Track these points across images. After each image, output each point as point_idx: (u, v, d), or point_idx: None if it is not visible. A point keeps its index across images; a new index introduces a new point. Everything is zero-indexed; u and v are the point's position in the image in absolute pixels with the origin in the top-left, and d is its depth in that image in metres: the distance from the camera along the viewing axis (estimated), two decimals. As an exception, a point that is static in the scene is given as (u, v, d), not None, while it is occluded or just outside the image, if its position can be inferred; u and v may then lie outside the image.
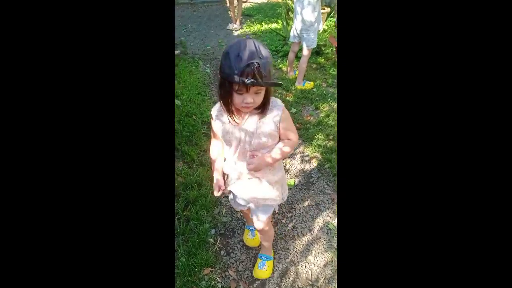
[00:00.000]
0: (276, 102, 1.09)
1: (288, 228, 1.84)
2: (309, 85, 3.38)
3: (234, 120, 1.06)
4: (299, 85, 3.36)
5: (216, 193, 1.21)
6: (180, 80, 3.57)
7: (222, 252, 1.71)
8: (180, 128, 2.69)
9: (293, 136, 1.17)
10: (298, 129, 2.73)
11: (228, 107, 1.02)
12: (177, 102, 3.13)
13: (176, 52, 4.36)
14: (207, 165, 2.26)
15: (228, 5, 5.49)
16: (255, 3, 7.17)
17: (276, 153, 1.15)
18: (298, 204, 2.00)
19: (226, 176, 1.30)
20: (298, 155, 2.44)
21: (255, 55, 0.89)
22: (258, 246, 1.71)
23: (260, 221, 1.37)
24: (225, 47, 0.95)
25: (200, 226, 1.81)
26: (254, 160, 1.14)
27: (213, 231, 1.82)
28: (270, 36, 4.83)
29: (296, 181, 2.20)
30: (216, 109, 1.15)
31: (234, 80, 0.90)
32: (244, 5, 6.94)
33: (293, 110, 2.99)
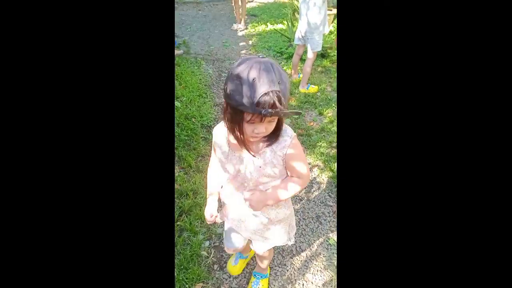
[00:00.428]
0: (286, 130, 0.95)
1: (286, 241, 1.75)
2: (313, 89, 3.28)
3: (243, 146, 0.91)
4: (303, 89, 3.27)
5: (208, 220, 1.11)
6: (181, 81, 3.49)
7: (216, 266, 1.62)
8: (179, 131, 2.61)
9: (304, 171, 1.00)
10: (300, 135, 2.64)
11: (235, 135, 0.89)
12: (176, 104, 3.05)
13: (179, 52, 4.28)
14: (204, 171, 2.18)
15: (233, 4, 5.40)
16: (261, 2, 7.07)
17: (280, 192, 1.00)
18: (297, 216, 1.90)
19: (222, 203, 1.20)
20: (299, 163, 2.35)
21: (274, 81, 0.75)
22: (240, 273, 1.59)
23: (261, 249, 1.23)
24: (233, 67, 0.80)
25: (194, 237, 1.73)
26: (254, 197, 1.00)
27: (207, 243, 1.73)
28: (274, 37, 4.74)
29: (296, 190, 2.11)
30: (218, 129, 1.02)
31: (249, 110, 0.77)
32: (249, 4, 6.86)
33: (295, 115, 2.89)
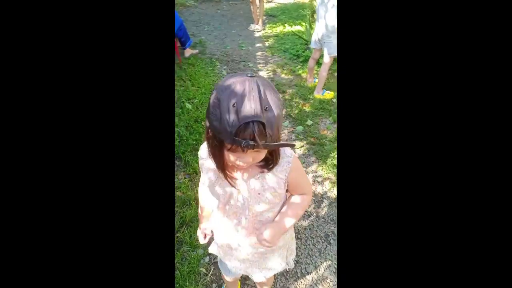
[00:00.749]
0: (284, 152, 0.83)
1: (291, 261, 1.64)
2: (329, 95, 3.14)
3: (227, 179, 0.82)
4: (317, 95, 3.13)
5: (202, 241, 1.02)
6: (194, 81, 3.42)
7: (214, 285, 1.52)
8: (187, 135, 2.53)
9: (308, 186, 0.93)
10: (312, 144, 2.51)
11: (219, 163, 0.78)
12: (187, 105, 2.97)
13: (194, 51, 4.22)
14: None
15: (251, 4, 5.30)
16: (280, 3, 6.94)
17: (291, 217, 0.90)
18: (304, 234, 1.78)
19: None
20: (310, 175, 2.22)
21: (258, 108, 0.62)
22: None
23: (259, 278, 1.11)
24: (217, 84, 0.69)
25: (193, 252, 1.64)
26: (269, 233, 0.87)
27: (206, 259, 1.63)
28: (292, 39, 4.61)
29: (305, 205, 1.98)
30: (205, 150, 0.87)
31: (226, 140, 0.66)
32: (268, 5, 6.75)
33: (309, 122, 2.76)
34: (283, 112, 0.73)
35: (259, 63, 4.06)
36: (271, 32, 5.14)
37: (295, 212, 0.90)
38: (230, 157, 0.72)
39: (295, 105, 3.03)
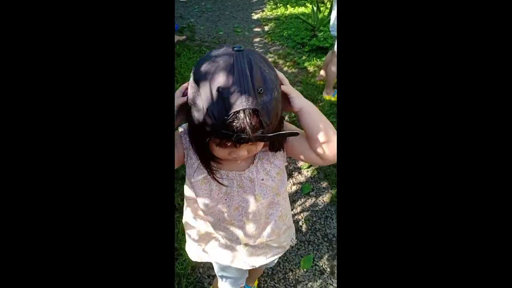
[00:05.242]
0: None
1: None
2: (341, 95, 2.59)
3: (214, 178, 0.69)
4: (327, 96, 2.59)
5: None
6: (178, 76, 2.86)
7: None
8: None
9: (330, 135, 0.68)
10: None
11: (205, 160, 0.66)
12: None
13: (182, 38, 3.63)
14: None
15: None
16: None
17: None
18: (298, 269, 1.31)
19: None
20: (320, 207, 1.72)
21: (250, 92, 0.51)
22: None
23: (269, 261, 0.94)
24: (196, 63, 0.58)
25: None
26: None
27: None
28: (295, 23, 4.00)
29: (305, 229, 1.50)
30: (184, 131, 0.70)
31: (214, 134, 0.55)
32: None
33: (319, 132, 2.24)
34: (279, 95, 0.58)
35: (257, 52, 3.48)
36: (270, 15, 4.52)
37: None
38: (220, 152, 0.62)
39: (300, 108, 2.50)
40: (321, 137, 0.63)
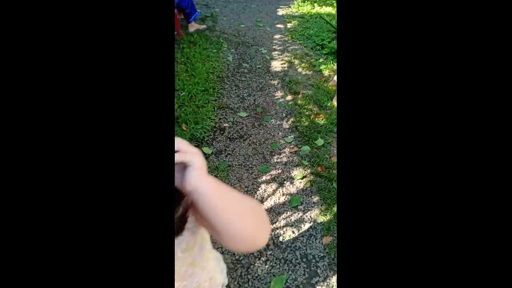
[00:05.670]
0: None
1: None
2: (352, 105, 2.44)
3: None
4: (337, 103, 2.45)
5: None
6: (189, 66, 2.80)
7: None
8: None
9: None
10: (318, 175, 1.88)
11: None
12: (172, 98, 2.39)
13: (202, 27, 3.57)
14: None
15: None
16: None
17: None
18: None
19: None
20: (307, 224, 1.62)
21: None
22: None
23: None
24: None
25: None
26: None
27: None
28: (319, 24, 3.83)
29: (297, 275, 1.40)
30: None
31: None
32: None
33: (320, 141, 2.11)
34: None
35: (275, 50, 3.36)
36: (296, 12, 4.36)
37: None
38: None
39: (307, 114, 2.37)
40: (224, 230, 0.47)
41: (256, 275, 1.38)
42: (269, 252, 1.48)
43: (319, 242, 1.54)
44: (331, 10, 4.19)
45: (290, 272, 1.41)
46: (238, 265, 1.41)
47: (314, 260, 1.46)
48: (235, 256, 1.44)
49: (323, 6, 4.36)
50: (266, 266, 1.42)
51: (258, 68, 2.97)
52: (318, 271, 1.42)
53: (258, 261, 1.44)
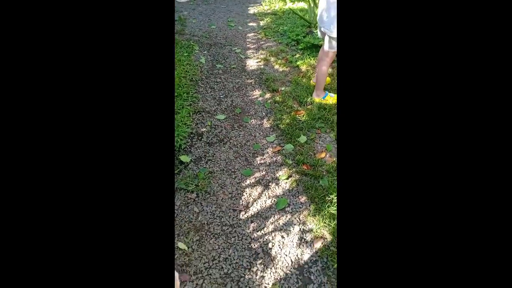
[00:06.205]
0: None
1: None
2: (332, 99, 2.37)
3: None
4: (317, 98, 2.37)
5: None
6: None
7: None
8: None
9: None
10: (304, 174, 1.80)
11: None
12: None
13: (171, 30, 3.43)
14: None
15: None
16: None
17: None
18: None
19: None
20: (296, 228, 1.52)
21: None
22: None
23: None
24: None
25: None
26: None
27: None
28: (292, 19, 3.77)
29: (284, 285, 1.30)
30: None
31: None
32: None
33: (303, 138, 2.03)
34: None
35: (249, 48, 3.26)
36: (268, 9, 4.29)
37: None
38: None
39: (287, 111, 2.29)
40: None
41: (248, 286, 1.28)
42: (259, 262, 1.37)
43: (310, 246, 1.45)
44: (304, 5, 4.14)
45: (282, 281, 1.31)
46: (228, 279, 1.30)
47: (306, 266, 1.37)
48: (223, 270, 1.33)
49: (295, 2, 4.31)
50: (257, 277, 1.31)
51: (233, 68, 2.87)
52: (312, 277, 1.33)
53: (248, 273, 1.33)
